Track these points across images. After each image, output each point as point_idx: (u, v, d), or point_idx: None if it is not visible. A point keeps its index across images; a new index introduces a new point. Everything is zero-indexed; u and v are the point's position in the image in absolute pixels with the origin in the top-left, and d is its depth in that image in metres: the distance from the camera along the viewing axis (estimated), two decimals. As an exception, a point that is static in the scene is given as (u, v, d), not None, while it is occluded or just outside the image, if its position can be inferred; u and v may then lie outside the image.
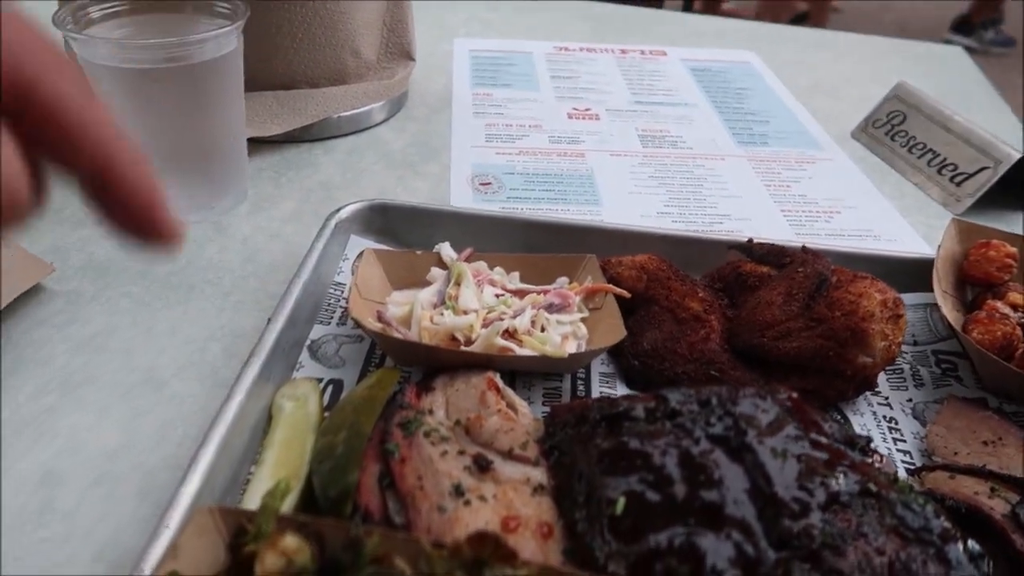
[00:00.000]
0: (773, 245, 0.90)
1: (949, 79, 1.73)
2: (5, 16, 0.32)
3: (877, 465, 0.63)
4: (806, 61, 1.77)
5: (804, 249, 0.87)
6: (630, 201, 1.15)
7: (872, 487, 0.58)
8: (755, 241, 0.92)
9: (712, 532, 0.56)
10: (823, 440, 0.62)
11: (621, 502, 0.58)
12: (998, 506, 0.64)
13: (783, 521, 0.55)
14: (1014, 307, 0.87)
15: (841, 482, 0.58)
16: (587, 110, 1.42)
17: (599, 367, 0.84)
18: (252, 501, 0.62)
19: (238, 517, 0.55)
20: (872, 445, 0.74)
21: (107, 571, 0.62)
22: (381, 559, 0.54)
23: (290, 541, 0.52)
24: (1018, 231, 0.97)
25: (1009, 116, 1.55)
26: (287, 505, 0.62)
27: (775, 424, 0.63)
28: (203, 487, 0.61)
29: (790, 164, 1.28)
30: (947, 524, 0.56)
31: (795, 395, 0.67)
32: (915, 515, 0.57)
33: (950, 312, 0.87)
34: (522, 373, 0.82)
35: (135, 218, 0.36)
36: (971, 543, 0.55)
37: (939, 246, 0.93)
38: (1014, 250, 0.91)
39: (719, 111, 1.45)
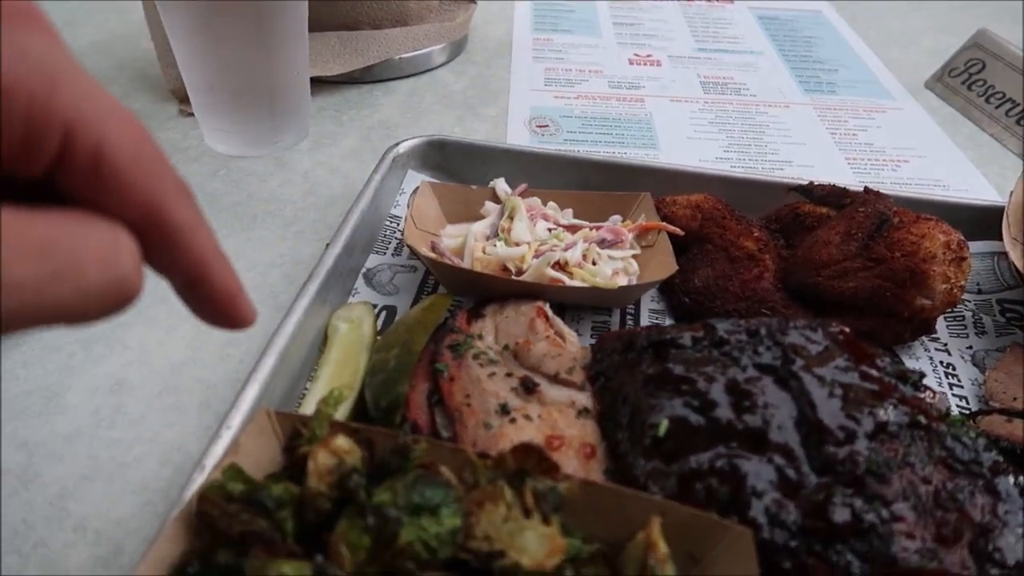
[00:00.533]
0: (834, 186, 0.88)
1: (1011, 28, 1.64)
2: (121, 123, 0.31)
3: (929, 401, 0.62)
4: (880, 10, 1.70)
5: (866, 190, 0.85)
6: (688, 146, 1.13)
7: (922, 419, 0.57)
8: (815, 183, 0.90)
9: (755, 455, 0.56)
10: (873, 373, 0.62)
11: (664, 424, 0.59)
12: (1055, 449, 0.63)
13: (827, 447, 0.55)
14: (1088, 256, 0.84)
15: (889, 413, 0.57)
16: (648, 56, 1.39)
17: (649, 303, 0.84)
18: (308, 411, 0.65)
19: (294, 421, 0.58)
20: (924, 381, 0.73)
21: (173, 474, 0.66)
22: (427, 466, 0.56)
23: (342, 442, 0.54)
24: None
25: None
26: (340, 415, 0.64)
27: (824, 355, 0.63)
28: (262, 395, 0.64)
29: (858, 113, 1.24)
30: (998, 458, 0.55)
31: (847, 329, 0.66)
32: (965, 448, 0.56)
33: (1019, 259, 0.84)
34: (572, 306, 0.82)
35: (221, 313, 0.40)
36: (1022, 478, 0.54)
37: (1011, 193, 0.89)
38: (1092, 198, 0.87)
39: (786, 59, 1.41)
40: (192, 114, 1.12)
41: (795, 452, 0.56)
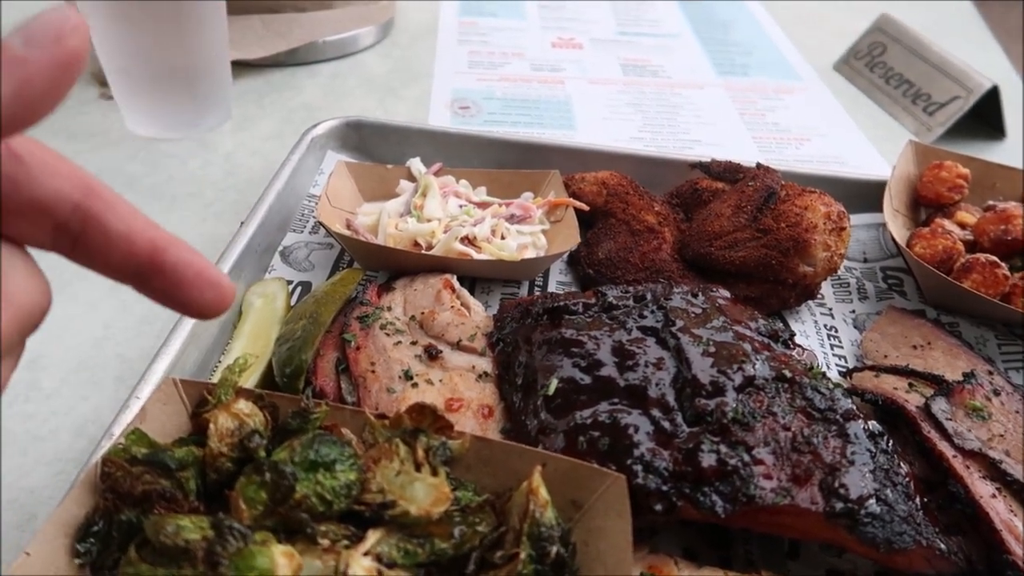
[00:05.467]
0: (729, 162, 0.93)
1: (939, 12, 1.71)
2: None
3: (798, 357, 0.67)
4: (799, -5, 1.76)
5: (758, 165, 0.90)
6: (604, 127, 1.17)
7: (787, 373, 0.62)
8: (714, 160, 0.95)
9: (635, 410, 0.60)
10: (747, 332, 0.67)
11: (553, 384, 0.63)
12: (914, 399, 0.69)
13: (699, 400, 0.60)
14: (962, 225, 0.91)
15: (757, 368, 0.62)
16: (571, 39, 1.43)
17: (557, 276, 0.89)
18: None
19: (200, 388, 0.61)
20: (807, 343, 0.78)
21: (87, 445, 0.68)
22: (330, 428, 0.59)
23: (243, 405, 0.57)
24: (986, 157, 0.99)
25: (999, 54, 1.55)
26: (250, 382, 0.67)
27: (702, 317, 0.67)
28: (172, 367, 0.67)
29: (767, 93, 1.30)
30: (851, 406, 0.61)
31: (727, 293, 0.71)
32: (823, 397, 0.61)
33: (899, 230, 0.90)
34: (483, 280, 0.86)
35: (194, 299, 0.39)
36: (872, 423, 0.60)
37: (894, 167, 0.96)
38: (966, 171, 0.93)
39: (703, 42, 1.47)
40: (112, 97, 1.12)
41: (671, 405, 0.60)
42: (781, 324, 0.74)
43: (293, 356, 0.65)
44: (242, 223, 0.82)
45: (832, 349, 0.82)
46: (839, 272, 0.92)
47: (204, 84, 1.06)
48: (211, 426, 0.55)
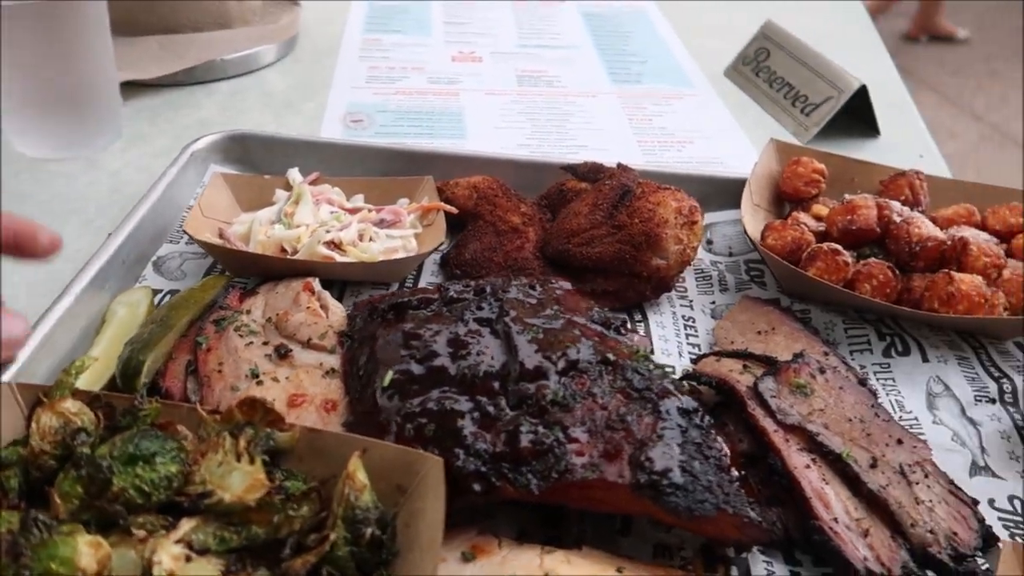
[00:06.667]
0: (594, 163, 0.96)
1: (829, 18, 1.76)
2: None
3: (630, 343, 0.70)
4: (697, 7, 1.80)
5: (619, 165, 0.94)
6: (495, 135, 1.21)
7: (610, 357, 0.65)
8: (583, 162, 0.98)
9: (462, 396, 0.63)
10: (579, 320, 0.70)
11: (389, 376, 0.65)
12: (745, 380, 0.72)
13: (522, 384, 0.63)
14: (817, 218, 0.95)
15: (581, 352, 0.65)
16: (471, 53, 1.47)
17: (428, 277, 0.91)
18: (83, 388, 0.69)
19: (36, 392, 0.62)
20: (663, 332, 0.82)
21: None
22: (165, 426, 0.60)
23: (70, 404, 0.59)
24: (862, 155, 1.03)
25: (884, 56, 1.61)
26: (97, 384, 0.68)
27: (536, 307, 0.70)
28: (20, 373, 0.68)
29: (658, 100, 1.35)
30: (667, 385, 0.64)
31: (568, 284, 0.74)
32: (642, 378, 0.64)
33: (759, 224, 0.94)
34: (353, 283, 0.88)
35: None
36: (686, 399, 0.63)
37: (755, 165, 1.00)
38: (821, 166, 0.98)
39: (601, 52, 1.51)
40: None
41: (496, 391, 0.63)
42: (616, 314, 0.77)
43: (133, 357, 0.67)
44: (109, 234, 0.84)
45: (687, 338, 0.85)
46: (704, 266, 0.95)
47: (91, 104, 1.07)
48: (33, 425, 0.57)
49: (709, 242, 0.99)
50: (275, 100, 1.28)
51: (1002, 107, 4.37)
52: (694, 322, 0.88)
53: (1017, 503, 0.69)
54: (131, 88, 1.21)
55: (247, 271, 0.86)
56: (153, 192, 0.91)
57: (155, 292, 0.83)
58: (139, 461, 0.55)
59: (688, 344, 0.84)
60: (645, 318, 0.87)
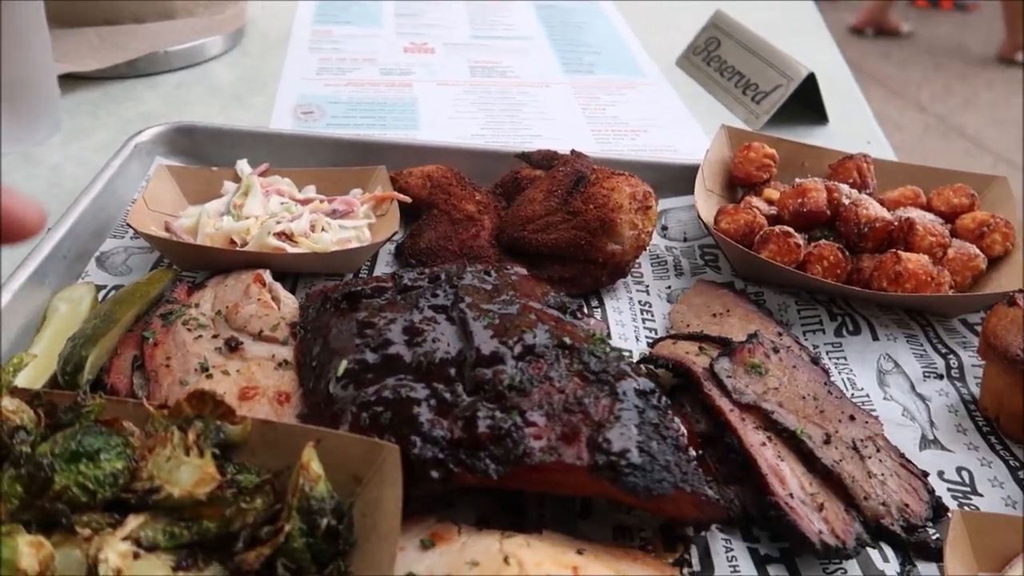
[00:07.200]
0: (548, 151, 0.96)
1: (778, 8, 1.79)
2: None
3: (586, 327, 0.70)
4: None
5: (573, 152, 0.93)
6: (448, 126, 1.20)
7: (567, 340, 0.65)
8: (537, 150, 0.98)
9: (418, 384, 0.62)
10: (535, 305, 0.69)
11: (343, 365, 0.64)
12: (701, 361, 0.72)
13: (479, 370, 0.62)
14: (769, 202, 0.96)
15: (538, 337, 0.65)
16: (424, 44, 1.46)
17: (383, 268, 0.90)
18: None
19: (-28, 391, 0.59)
20: (620, 317, 0.82)
21: None
22: (110, 422, 0.58)
23: (7, 403, 0.56)
24: (811, 142, 1.05)
25: (831, 46, 1.64)
26: (38, 383, 0.66)
27: (492, 292, 0.70)
28: (-46, 374, 0.65)
29: (611, 90, 1.35)
30: (623, 367, 0.64)
31: (523, 270, 0.74)
32: (598, 360, 0.64)
33: (712, 209, 0.95)
34: (307, 275, 0.86)
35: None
36: (642, 380, 0.63)
37: (707, 151, 1.00)
38: (772, 151, 0.99)
39: (554, 43, 1.51)
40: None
41: (453, 377, 0.62)
42: (572, 298, 0.77)
43: (75, 352, 0.64)
44: (48, 229, 0.81)
45: (644, 323, 0.85)
46: (659, 251, 0.96)
47: (27, 97, 1.04)
48: (-32, 424, 0.54)
49: (664, 228, 1.00)
50: (222, 93, 1.25)
51: (947, 98, 4.50)
52: (650, 307, 0.88)
53: (965, 474, 0.70)
54: (71, 81, 1.17)
55: (195, 265, 0.83)
56: (95, 185, 0.89)
57: (99, 288, 0.80)
58: (82, 458, 0.53)
59: (645, 328, 0.85)
60: (602, 304, 0.87)
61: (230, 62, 1.35)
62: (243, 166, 0.95)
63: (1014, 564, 0.60)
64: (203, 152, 1.02)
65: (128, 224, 0.81)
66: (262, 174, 0.94)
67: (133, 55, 1.23)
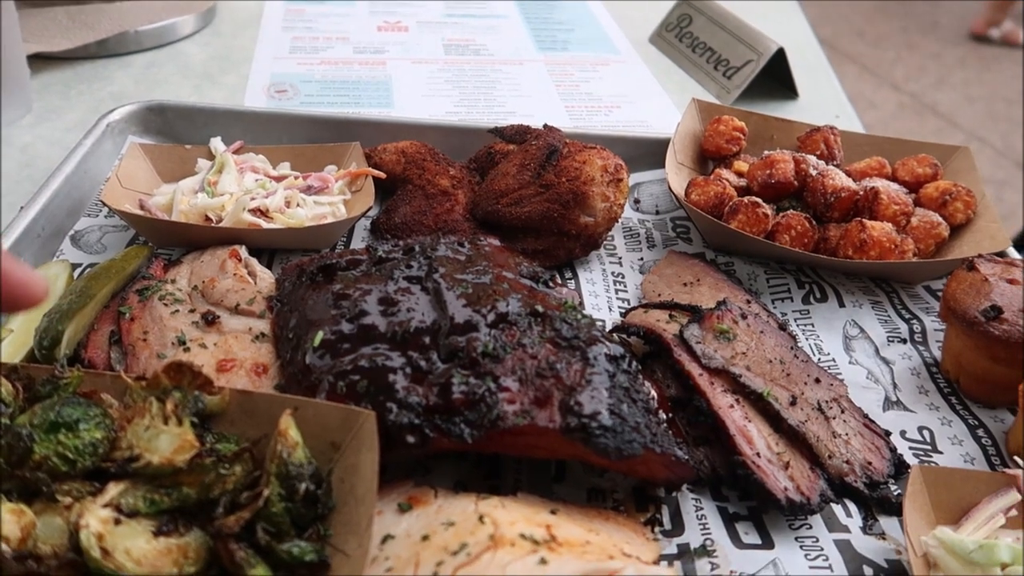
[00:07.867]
0: (521, 125, 0.97)
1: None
2: None
3: (558, 295, 0.71)
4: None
5: (545, 126, 0.94)
6: (422, 103, 1.20)
7: (539, 308, 0.66)
8: (510, 125, 0.99)
9: (393, 352, 0.63)
10: (508, 275, 0.70)
11: (319, 336, 0.65)
12: (672, 328, 0.74)
13: (453, 338, 0.63)
14: (739, 174, 0.98)
15: (511, 305, 0.66)
16: (397, 23, 1.45)
17: (359, 243, 0.91)
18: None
19: (-51, 366, 0.60)
20: (593, 288, 0.83)
21: None
22: (89, 395, 0.59)
23: (-15, 377, 0.57)
24: (782, 116, 1.06)
25: (802, 22, 1.66)
26: (18, 359, 0.66)
27: (465, 263, 0.71)
28: (-70, 351, 0.65)
29: (585, 67, 1.36)
30: (595, 333, 0.65)
31: (496, 241, 0.75)
32: (570, 327, 0.65)
33: (683, 182, 0.96)
34: (283, 250, 0.87)
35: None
36: (613, 346, 0.64)
37: (678, 125, 1.02)
38: (742, 124, 1.00)
39: (528, 21, 1.51)
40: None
41: (427, 345, 0.63)
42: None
43: (51, 327, 0.65)
44: (21, 208, 0.81)
45: (617, 293, 0.87)
46: (632, 224, 0.97)
47: (-5, 77, 1.03)
48: (-56, 397, 0.55)
49: (637, 201, 1.01)
50: (194, 72, 1.24)
51: (921, 77, 4.55)
52: (623, 278, 0.89)
53: (926, 433, 0.73)
54: (40, 61, 1.17)
55: (170, 241, 0.84)
56: (67, 164, 0.88)
57: (74, 266, 0.81)
58: (61, 428, 0.54)
59: (618, 299, 0.86)
60: (576, 275, 0.88)
61: (201, 42, 1.34)
62: (217, 144, 0.95)
63: (971, 516, 0.62)
64: (175, 131, 1.02)
65: (102, 202, 0.81)
66: (236, 151, 0.94)
67: (103, 35, 1.22)
